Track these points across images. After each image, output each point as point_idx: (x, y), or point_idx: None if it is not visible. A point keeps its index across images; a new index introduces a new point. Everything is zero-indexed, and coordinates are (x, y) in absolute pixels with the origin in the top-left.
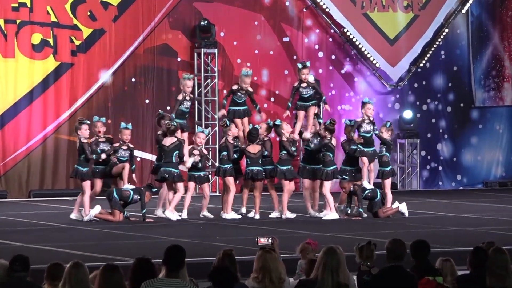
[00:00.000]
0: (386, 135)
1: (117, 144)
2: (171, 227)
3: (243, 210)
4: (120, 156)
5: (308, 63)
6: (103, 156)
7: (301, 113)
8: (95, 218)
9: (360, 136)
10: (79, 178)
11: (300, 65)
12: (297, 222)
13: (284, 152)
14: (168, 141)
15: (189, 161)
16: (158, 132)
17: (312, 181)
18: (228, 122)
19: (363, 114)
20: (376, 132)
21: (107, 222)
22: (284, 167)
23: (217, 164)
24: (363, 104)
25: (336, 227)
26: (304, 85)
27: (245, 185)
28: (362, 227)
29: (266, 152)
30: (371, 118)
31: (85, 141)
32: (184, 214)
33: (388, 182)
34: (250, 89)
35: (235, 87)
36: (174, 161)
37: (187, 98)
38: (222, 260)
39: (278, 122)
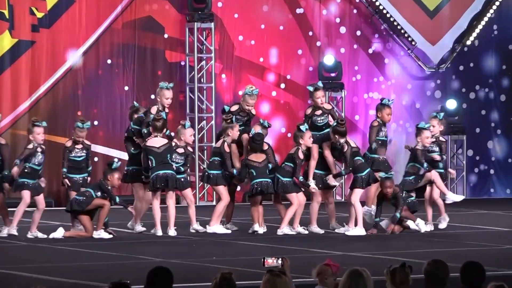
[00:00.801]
0: (438, 128)
1: (69, 143)
2: (155, 245)
3: (256, 227)
4: (74, 156)
5: (320, 84)
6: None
7: (315, 148)
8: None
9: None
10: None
11: (311, 88)
12: (312, 239)
13: (290, 163)
14: (157, 141)
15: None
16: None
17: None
18: (234, 119)
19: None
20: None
21: (79, 238)
22: (286, 179)
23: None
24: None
25: (361, 245)
26: (318, 112)
27: (254, 202)
28: (393, 245)
29: (270, 165)
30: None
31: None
32: (172, 231)
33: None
34: (253, 112)
35: (234, 108)
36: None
37: (165, 111)
38: (219, 285)
39: (303, 128)
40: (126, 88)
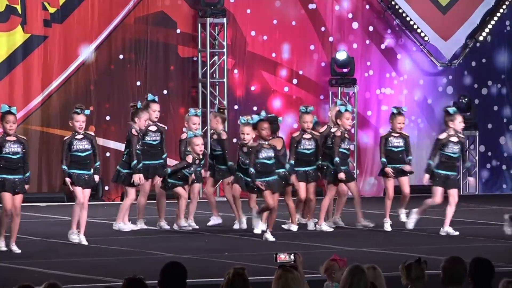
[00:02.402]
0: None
1: (67, 137)
2: (168, 241)
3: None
4: (76, 150)
5: (312, 108)
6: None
7: (302, 184)
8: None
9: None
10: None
11: (303, 109)
12: (326, 236)
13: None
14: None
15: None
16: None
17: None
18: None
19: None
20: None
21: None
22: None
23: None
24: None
25: (374, 241)
26: (307, 136)
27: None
28: (408, 240)
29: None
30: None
31: None
32: (186, 223)
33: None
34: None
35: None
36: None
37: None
38: (231, 280)
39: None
40: (138, 83)
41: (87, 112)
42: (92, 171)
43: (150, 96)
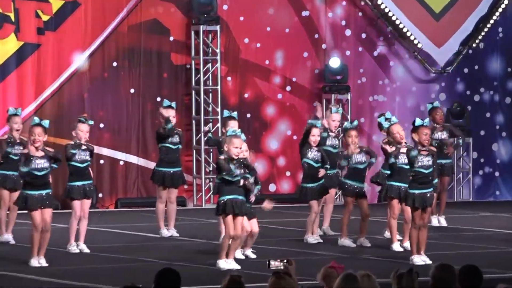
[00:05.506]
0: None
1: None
2: (162, 249)
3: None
4: (76, 161)
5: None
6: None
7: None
8: None
9: None
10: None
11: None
12: (321, 243)
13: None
14: None
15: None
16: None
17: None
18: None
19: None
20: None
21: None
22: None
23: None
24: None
25: (372, 248)
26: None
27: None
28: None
29: None
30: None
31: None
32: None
33: None
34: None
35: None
36: None
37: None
38: (227, 287)
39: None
40: (132, 90)
41: (91, 122)
42: (91, 181)
43: (166, 102)
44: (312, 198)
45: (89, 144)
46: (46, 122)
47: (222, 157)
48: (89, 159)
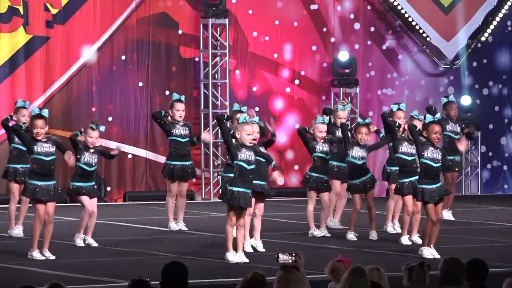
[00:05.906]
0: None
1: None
2: (170, 242)
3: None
4: (85, 163)
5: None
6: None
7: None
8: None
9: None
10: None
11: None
12: (329, 236)
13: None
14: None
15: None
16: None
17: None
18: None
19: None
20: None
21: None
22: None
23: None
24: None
25: (375, 243)
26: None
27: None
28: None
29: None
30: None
31: None
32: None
33: None
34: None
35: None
36: None
37: None
38: (247, 283)
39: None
40: (141, 84)
41: (102, 129)
42: (93, 182)
43: (175, 96)
44: (314, 188)
45: (97, 147)
46: (45, 112)
47: (234, 142)
48: (96, 161)
